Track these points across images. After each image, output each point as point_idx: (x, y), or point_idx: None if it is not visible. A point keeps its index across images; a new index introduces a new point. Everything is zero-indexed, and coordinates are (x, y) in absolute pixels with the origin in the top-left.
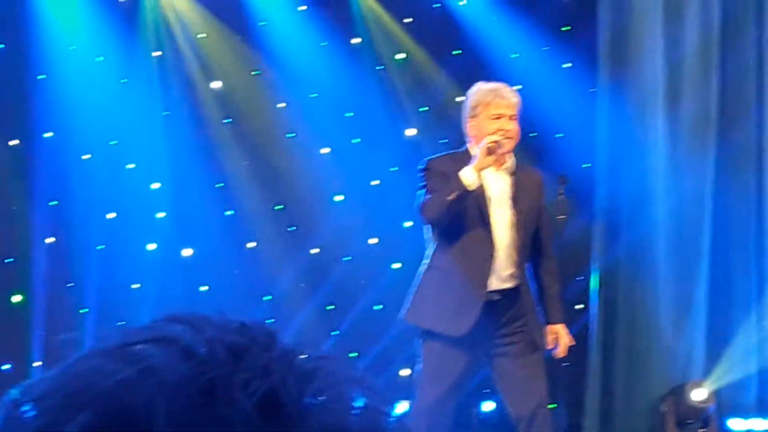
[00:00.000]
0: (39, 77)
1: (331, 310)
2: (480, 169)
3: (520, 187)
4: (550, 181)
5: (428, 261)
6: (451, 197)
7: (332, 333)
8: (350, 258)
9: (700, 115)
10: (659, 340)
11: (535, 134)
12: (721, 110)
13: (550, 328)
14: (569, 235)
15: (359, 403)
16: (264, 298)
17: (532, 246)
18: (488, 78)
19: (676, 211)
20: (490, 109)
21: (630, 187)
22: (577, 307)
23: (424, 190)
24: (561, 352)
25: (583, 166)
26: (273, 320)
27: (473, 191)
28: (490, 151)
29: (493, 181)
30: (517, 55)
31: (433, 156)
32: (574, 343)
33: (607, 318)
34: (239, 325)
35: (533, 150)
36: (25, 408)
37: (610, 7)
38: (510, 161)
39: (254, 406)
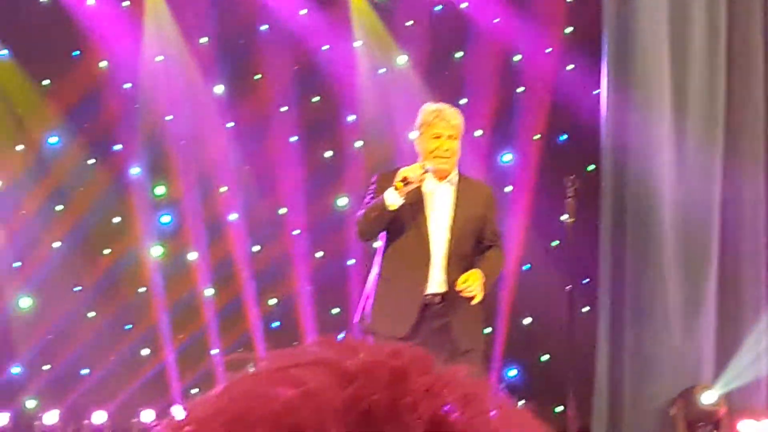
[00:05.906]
0: None
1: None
2: (403, 193)
3: (462, 197)
4: (557, 184)
5: (375, 268)
6: (374, 214)
7: None
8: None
9: (707, 114)
10: (668, 342)
11: (539, 137)
12: (728, 108)
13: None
14: (575, 238)
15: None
16: None
17: (478, 250)
18: (491, 82)
19: (684, 212)
20: (431, 129)
21: (636, 189)
22: (583, 309)
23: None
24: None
25: (588, 168)
26: None
27: (406, 204)
28: (405, 180)
29: (434, 192)
30: (520, 57)
31: (387, 171)
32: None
33: (615, 320)
34: (392, 349)
35: (537, 153)
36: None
37: (614, 8)
38: (453, 174)
39: (424, 429)
